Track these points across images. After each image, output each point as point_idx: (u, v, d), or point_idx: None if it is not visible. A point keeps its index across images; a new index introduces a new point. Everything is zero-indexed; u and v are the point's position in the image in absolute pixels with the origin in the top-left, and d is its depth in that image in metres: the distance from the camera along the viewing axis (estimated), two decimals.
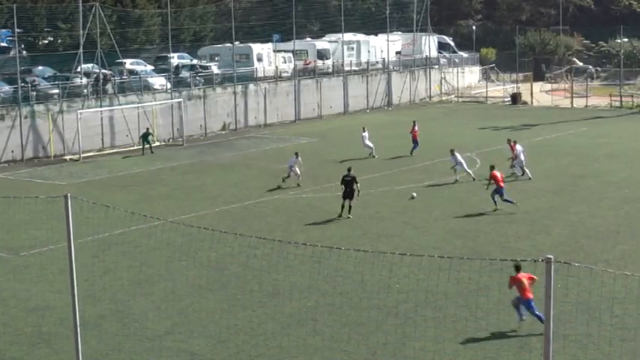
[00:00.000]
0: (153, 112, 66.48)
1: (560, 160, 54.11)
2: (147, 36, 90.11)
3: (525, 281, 24.57)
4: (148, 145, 60.33)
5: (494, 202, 40.19)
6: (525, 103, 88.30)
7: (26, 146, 59.99)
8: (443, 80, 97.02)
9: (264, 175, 50.84)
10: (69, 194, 17.71)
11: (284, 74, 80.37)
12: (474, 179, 46.75)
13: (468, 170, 47.59)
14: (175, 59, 78.99)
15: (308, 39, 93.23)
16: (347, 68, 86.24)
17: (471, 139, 62.61)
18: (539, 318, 23.86)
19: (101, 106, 64.46)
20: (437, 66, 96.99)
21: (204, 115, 71.04)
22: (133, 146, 62.94)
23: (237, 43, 77.98)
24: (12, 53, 76.32)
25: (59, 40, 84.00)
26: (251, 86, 75.62)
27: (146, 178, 51.73)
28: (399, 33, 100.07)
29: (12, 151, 59.25)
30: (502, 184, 40.32)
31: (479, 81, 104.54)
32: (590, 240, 35.01)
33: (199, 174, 51.76)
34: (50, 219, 37.97)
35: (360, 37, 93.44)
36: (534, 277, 24.56)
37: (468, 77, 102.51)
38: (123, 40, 79.25)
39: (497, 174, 40.53)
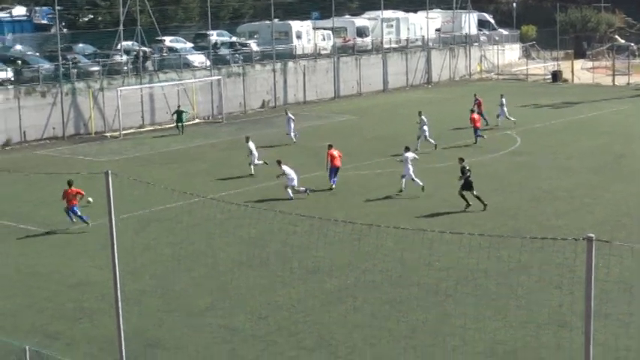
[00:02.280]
0: (192, 89, 66.63)
1: (601, 138, 53.68)
2: (186, 13, 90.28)
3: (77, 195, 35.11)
4: (181, 124, 60.16)
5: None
6: (566, 80, 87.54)
7: (67, 123, 60.34)
8: (483, 58, 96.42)
9: (304, 152, 50.82)
10: (109, 171, 17.82)
11: (323, 52, 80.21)
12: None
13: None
14: (214, 36, 79.04)
15: (347, 16, 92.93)
16: (386, 46, 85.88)
17: (511, 117, 62.19)
18: (83, 219, 34.95)
19: (141, 84, 64.66)
20: (477, 43, 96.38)
21: (244, 92, 71.09)
22: (173, 123, 63.10)
23: (276, 20, 77.88)
24: (53, 31, 76.88)
25: (99, 18, 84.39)
26: (290, 64, 75.53)
27: (186, 155, 51.91)
28: (439, 10, 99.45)
29: (53, 128, 59.64)
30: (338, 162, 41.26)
31: (519, 58, 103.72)
32: (632, 219, 34.75)
33: (239, 151, 51.77)
34: (91, 195, 38.19)
35: (400, 14, 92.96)
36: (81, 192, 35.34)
37: (508, 55, 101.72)
38: (162, 17, 79.42)
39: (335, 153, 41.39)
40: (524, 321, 23.82)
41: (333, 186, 41.14)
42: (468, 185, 36.66)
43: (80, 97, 61.01)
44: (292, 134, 54.46)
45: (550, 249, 28.52)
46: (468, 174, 36.68)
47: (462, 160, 37.85)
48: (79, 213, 35.13)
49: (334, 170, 41.41)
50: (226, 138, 57.62)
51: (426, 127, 50.64)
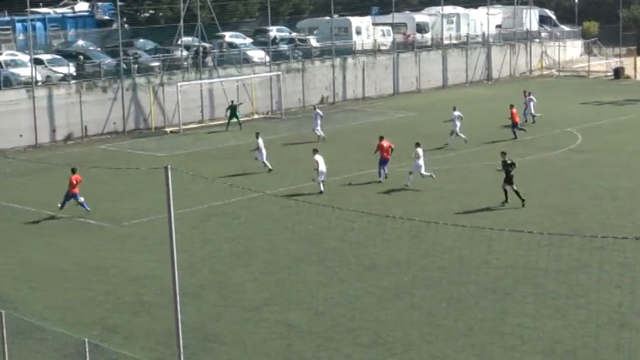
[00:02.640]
0: (252, 85, 66.82)
1: None
2: (246, 9, 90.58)
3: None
4: (236, 120, 60.15)
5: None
6: (628, 77, 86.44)
7: (128, 118, 60.89)
8: (544, 54, 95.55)
9: (363, 148, 50.76)
10: (169, 166, 17.91)
11: (382, 47, 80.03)
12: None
13: None
14: (274, 32, 79.20)
15: (407, 12, 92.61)
16: (446, 42, 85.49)
17: (572, 114, 61.65)
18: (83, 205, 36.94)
19: (201, 79, 64.99)
20: (538, 40, 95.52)
21: (303, 88, 71.15)
22: (227, 120, 63.25)
23: (335, 16, 77.82)
24: (114, 26, 77.56)
25: (160, 14, 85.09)
26: (349, 59, 75.46)
27: (245, 150, 52.01)
28: (500, 6, 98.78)
29: (114, 123, 60.19)
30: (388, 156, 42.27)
31: (581, 55, 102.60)
32: None
33: (297, 147, 51.87)
34: (151, 190, 38.53)
35: (460, 10, 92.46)
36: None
37: (570, 51, 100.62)
38: (222, 13, 79.74)
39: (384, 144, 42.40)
40: (584, 320, 23.58)
41: (382, 180, 41.94)
42: (509, 179, 36.76)
43: (140, 92, 61.52)
44: (318, 130, 54.45)
45: (610, 248, 28.25)
46: (510, 168, 36.82)
47: (503, 153, 37.82)
48: (80, 199, 37.03)
49: (384, 162, 42.14)
50: (285, 134, 57.68)
51: (458, 123, 51.05)
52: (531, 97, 58.23)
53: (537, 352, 21.86)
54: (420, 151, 40.58)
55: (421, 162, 40.36)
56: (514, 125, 52.38)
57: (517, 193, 36.60)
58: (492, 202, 37.28)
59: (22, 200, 40.26)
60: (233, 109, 60.24)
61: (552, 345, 22.16)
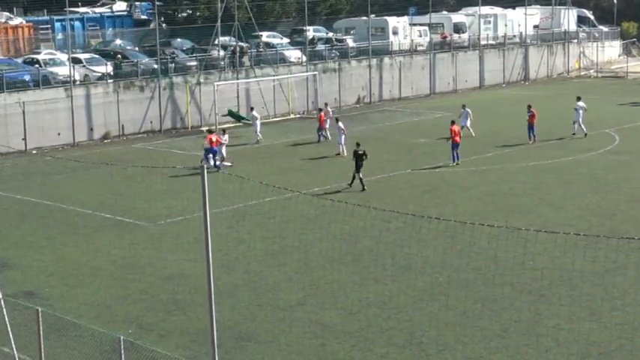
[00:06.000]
0: (288, 84, 66.92)
1: None
2: (283, 9, 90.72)
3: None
4: (236, 117, 60.24)
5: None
6: None
7: (164, 117, 61.15)
8: (582, 55, 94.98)
9: (398, 148, 50.70)
10: (205, 165, 17.96)
11: (419, 48, 79.88)
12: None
13: None
14: (311, 32, 79.25)
15: (444, 12, 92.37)
16: (483, 42, 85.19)
17: (609, 115, 61.22)
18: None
19: (237, 79, 65.13)
20: (576, 40, 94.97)
21: (339, 88, 71.16)
22: (269, 118, 63.36)
23: (372, 16, 77.74)
24: (152, 26, 77.98)
25: (197, 13, 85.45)
26: (386, 59, 75.40)
27: (280, 150, 52.12)
28: (538, 6, 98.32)
29: (151, 122, 60.48)
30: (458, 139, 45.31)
31: (619, 56, 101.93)
32: None
33: (333, 147, 51.81)
34: (186, 189, 38.67)
35: (498, 10, 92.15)
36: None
37: (608, 52, 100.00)
38: (260, 13, 79.94)
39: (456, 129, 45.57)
40: (619, 323, 23.43)
41: (458, 162, 44.86)
42: (357, 167, 40.25)
43: (177, 91, 61.78)
44: (258, 133, 55.35)
45: None
46: (362, 158, 40.25)
47: (358, 144, 40.98)
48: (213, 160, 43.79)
49: (455, 146, 44.97)
50: None
51: (581, 112, 52.72)
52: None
53: (572, 354, 21.72)
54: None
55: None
56: (319, 129, 54.77)
57: (361, 180, 40.04)
58: (528, 202, 37.13)
59: (59, 198, 40.53)
60: (235, 115, 60.39)
61: (587, 347, 22.02)
